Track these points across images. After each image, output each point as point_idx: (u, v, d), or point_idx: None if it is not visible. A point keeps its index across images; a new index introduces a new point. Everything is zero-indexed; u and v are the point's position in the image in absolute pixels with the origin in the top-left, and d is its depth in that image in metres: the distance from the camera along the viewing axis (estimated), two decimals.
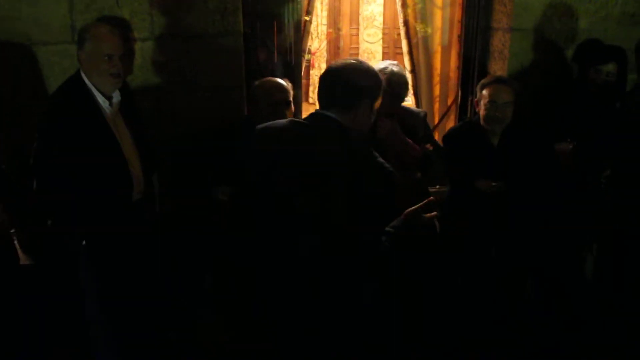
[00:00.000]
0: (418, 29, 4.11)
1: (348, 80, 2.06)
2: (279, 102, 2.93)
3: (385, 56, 6.59)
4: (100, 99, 2.64)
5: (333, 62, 2.21)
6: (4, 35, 2.99)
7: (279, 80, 3.06)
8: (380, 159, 2.10)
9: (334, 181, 1.98)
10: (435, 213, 2.15)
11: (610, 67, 3.29)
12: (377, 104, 2.13)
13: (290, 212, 2.03)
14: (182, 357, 3.13)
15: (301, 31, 3.76)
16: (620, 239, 3.52)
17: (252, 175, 2.16)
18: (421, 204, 2.16)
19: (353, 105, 2.06)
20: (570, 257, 3.59)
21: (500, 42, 3.74)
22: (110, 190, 2.62)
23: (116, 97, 2.70)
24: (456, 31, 4.02)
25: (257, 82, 3.10)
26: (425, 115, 3.31)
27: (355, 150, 2.04)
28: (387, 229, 2.08)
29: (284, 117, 2.75)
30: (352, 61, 2.14)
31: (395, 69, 3.08)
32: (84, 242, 2.62)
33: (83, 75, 2.62)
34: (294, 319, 2.13)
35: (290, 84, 3.08)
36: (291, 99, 3.02)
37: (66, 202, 2.57)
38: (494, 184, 3.18)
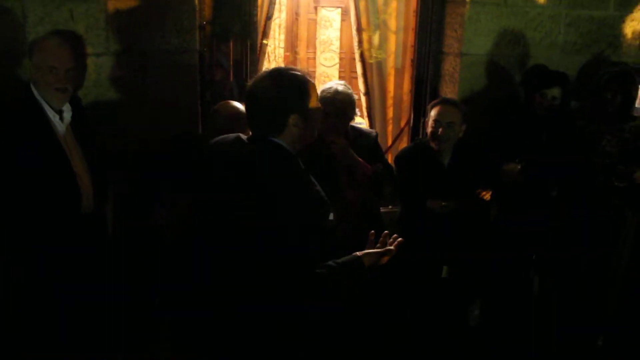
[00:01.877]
0: (372, 53, 4.19)
1: (269, 100, 1.97)
2: (238, 130, 2.91)
3: (341, 79, 6.67)
4: (50, 112, 2.61)
5: (254, 78, 2.07)
6: None
7: (237, 105, 3.02)
8: (316, 187, 2.01)
9: (257, 205, 1.91)
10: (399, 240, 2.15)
11: (555, 91, 3.43)
12: (313, 112, 2.03)
13: (219, 230, 2.01)
14: None
15: (257, 53, 3.80)
16: (565, 258, 3.63)
17: (197, 191, 2.15)
18: (382, 250, 2.13)
19: (281, 126, 1.99)
20: (517, 277, 3.67)
21: (451, 66, 3.86)
22: (58, 204, 2.59)
23: (67, 111, 2.68)
24: (409, 55, 4.12)
25: (217, 105, 3.08)
26: (377, 135, 3.35)
27: (285, 176, 1.95)
28: (330, 262, 1.99)
29: None
30: (271, 74, 2.02)
31: (340, 88, 3.06)
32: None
33: (33, 88, 2.59)
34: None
35: None
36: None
37: (12, 217, 2.54)
38: (444, 203, 3.24)
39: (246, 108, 2.07)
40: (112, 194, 3.01)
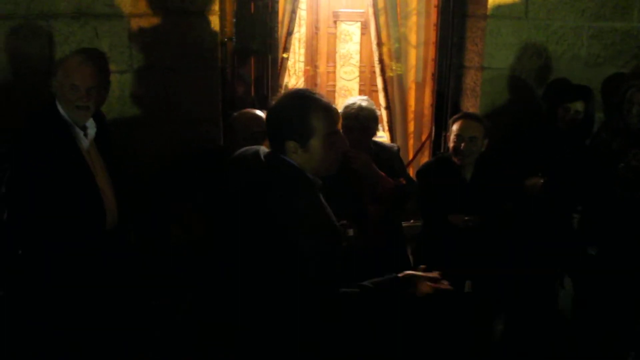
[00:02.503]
0: (393, 67, 4.20)
1: (269, 124, 1.97)
2: (257, 134, 2.95)
3: (361, 93, 6.70)
4: (75, 129, 2.65)
5: (277, 100, 2.02)
6: None
7: (257, 111, 3.06)
8: (326, 210, 1.97)
9: (266, 227, 1.89)
10: (445, 285, 2.05)
11: (578, 105, 3.40)
12: (335, 136, 1.96)
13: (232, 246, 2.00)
14: None
15: (278, 67, 3.83)
16: (593, 273, 3.58)
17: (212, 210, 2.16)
18: (427, 274, 2.07)
19: (301, 147, 1.92)
20: (541, 292, 3.63)
21: (472, 80, 3.85)
22: (83, 220, 2.61)
23: (91, 127, 2.71)
24: (430, 69, 4.12)
25: (235, 114, 3.12)
26: (399, 150, 3.36)
27: (293, 198, 1.91)
28: (366, 283, 1.96)
29: None
30: (282, 97, 2.00)
31: (364, 104, 3.10)
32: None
33: (58, 104, 2.63)
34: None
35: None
36: None
37: (38, 232, 2.57)
38: (466, 218, 3.21)
39: (270, 129, 2.01)
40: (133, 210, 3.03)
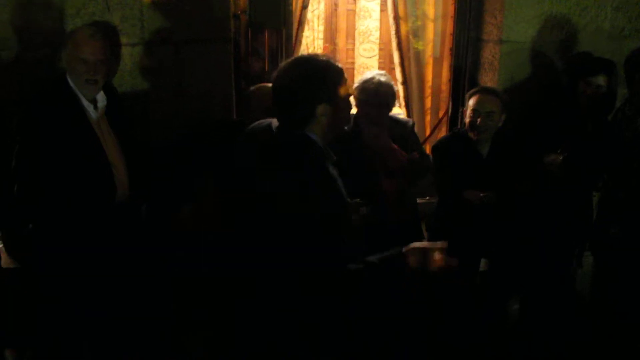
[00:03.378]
0: (410, 41, 4.12)
1: (293, 94, 1.91)
2: (273, 109, 2.90)
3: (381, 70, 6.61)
4: (84, 102, 2.64)
5: (278, 70, 2.01)
6: None
7: None
8: (337, 183, 1.94)
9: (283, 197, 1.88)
10: (454, 261, 1.99)
11: (600, 79, 3.28)
12: (342, 100, 1.97)
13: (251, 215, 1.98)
14: None
15: (293, 42, 3.77)
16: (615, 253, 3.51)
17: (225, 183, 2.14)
18: (432, 244, 2.04)
19: (310, 117, 1.93)
20: (558, 271, 3.56)
21: (490, 54, 3.75)
22: (92, 192, 2.61)
23: (101, 101, 2.70)
24: (447, 43, 4.03)
25: (252, 88, 3.08)
26: (414, 124, 3.30)
27: (306, 169, 1.91)
28: (371, 258, 1.94)
29: None
30: (291, 65, 1.96)
31: (382, 79, 3.07)
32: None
33: (68, 77, 2.62)
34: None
35: None
36: None
37: (48, 205, 2.57)
38: (482, 194, 3.15)
39: (273, 99, 2.00)
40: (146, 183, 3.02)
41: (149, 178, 2.98)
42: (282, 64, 2.02)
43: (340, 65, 1.99)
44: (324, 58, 1.97)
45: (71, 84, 2.62)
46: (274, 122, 2.04)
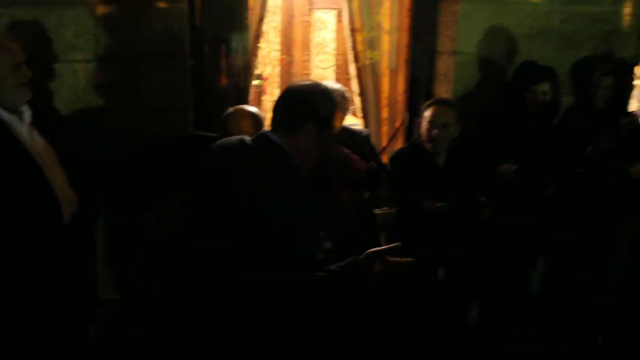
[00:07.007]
0: (366, 53, 4.16)
1: (293, 102, 2.01)
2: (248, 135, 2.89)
3: (337, 82, 6.65)
4: (4, 114, 2.38)
5: (291, 84, 2.15)
6: None
7: (252, 109, 3.02)
8: (306, 201, 2.00)
9: (257, 206, 1.90)
10: (409, 260, 2.04)
11: (544, 86, 3.40)
12: (330, 131, 2.04)
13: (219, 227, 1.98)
14: None
15: (250, 55, 3.77)
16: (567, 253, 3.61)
17: (195, 189, 2.13)
18: (387, 247, 2.07)
19: (295, 128, 1.98)
20: (515, 276, 3.65)
21: (445, 65, 3.83)
22: (35, 213, 2.39)
23: (26, 110, 2.46)
24: (403, 55, 4.09)
25: (230, 110, 3.04)
26: (369, 134, 3.35)
27: (275, 177, 1.94)
28: (332, 267, 1.98)
29: None
30: (307, 83, 2.09)
31: (335, 86, 3.15)
32: None
33: None
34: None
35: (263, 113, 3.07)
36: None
37: None
38: (439, 204, 3.20)
39: (275, 104, 2.08)
40: (104, 200, 2.98)
41: (100, 192, 2.91)
42: (296, 81, 2.25)
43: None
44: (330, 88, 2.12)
45: None
46: (246, 137, 2.08)
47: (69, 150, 2.61)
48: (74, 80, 3.12)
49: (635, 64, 3.86)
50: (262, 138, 2.03)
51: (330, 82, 3.18)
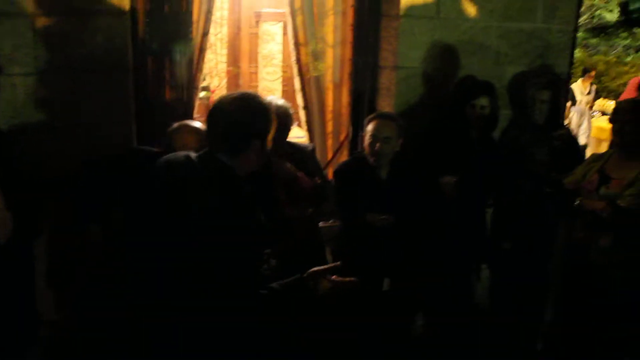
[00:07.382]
0: (310, 67, 4.21)
1: (236, 123, 2.02)
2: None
3: (284, 94, 6.70)
4: None
5: (221, 97, 2.15)
6: None
7: (196, 124, 3.02)
8: (251, 216, 2.03)
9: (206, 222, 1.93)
10: (352, 279, 2.09)
11: (483, 100, 3.49)
12: (268, 142, 2.10)
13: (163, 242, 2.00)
14: None
15: (194, 69, 3.77)
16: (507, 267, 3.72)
17: (141, 205, 2.13)
18: (328, 266, 2.11)
19: (243, 149, 2.03)
20: (459, 286, 3.73)
21: (387, 79, 3.91)
22: None
23: None
24: (347, 69, 4.16)
25: (175, 125, 3.02)
26: (314, 149, 3.38)
27: (223, 194, 1.98)
28: (274, 285, 2.01)
29: None
30: (241, 97, 2.07)
31: (279, 102, 3.16)
32: None
33: None
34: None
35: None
36: None
37: None
38: (382, 217, 3.26)
39: (209, 126, 2.08)
40: (46, 221, 2.91)
41: (39, 210, 2.84)
42: (228, 94, 2.14)
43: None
44: (265, 100, 2.14)
45: None
46: (191, 153, 2.09)
47: (6, 167, 2.53)
48: (13, 94, 3.03)
49: (569, 79, 4.02)
50: (211, 160, 2.04)
51: (275, 98, 3.20)
